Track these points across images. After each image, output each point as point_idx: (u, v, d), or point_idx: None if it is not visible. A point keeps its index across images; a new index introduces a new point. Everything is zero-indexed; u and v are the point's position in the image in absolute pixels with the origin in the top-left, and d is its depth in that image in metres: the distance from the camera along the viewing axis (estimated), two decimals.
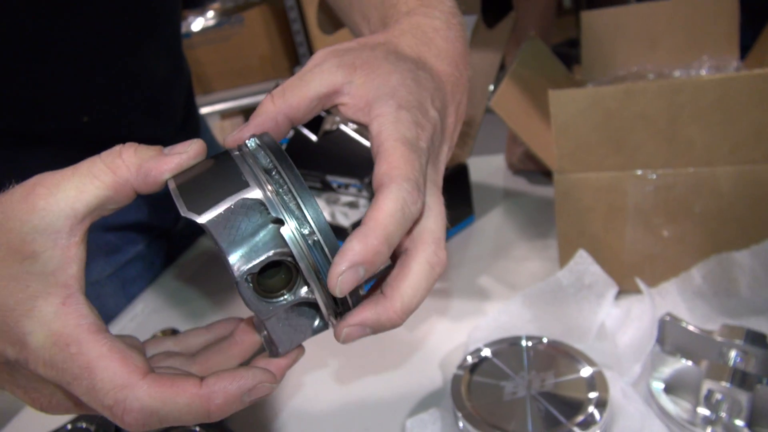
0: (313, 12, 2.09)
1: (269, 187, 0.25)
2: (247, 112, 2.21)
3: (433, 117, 0.30)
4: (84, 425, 0.47)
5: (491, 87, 0.65)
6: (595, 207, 0.48)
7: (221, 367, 0.31)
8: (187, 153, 0.27)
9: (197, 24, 2.26)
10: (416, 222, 0.28)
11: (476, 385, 0.40)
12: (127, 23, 0.60)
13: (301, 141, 0.68)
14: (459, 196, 0.68)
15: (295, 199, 0.25)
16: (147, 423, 0.25)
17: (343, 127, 0.70)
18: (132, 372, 0.25)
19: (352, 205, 0.64)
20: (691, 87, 0.40)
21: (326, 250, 0.25)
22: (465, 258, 0.63)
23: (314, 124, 0.68)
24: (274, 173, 0.26)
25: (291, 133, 0.69)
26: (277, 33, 2.24)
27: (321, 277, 0.25)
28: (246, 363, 0.31)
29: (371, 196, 0.72)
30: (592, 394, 0.36)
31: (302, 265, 0.25)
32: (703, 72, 0.61)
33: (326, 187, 0.65)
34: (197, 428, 0.44)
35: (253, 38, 2.19)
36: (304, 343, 0.29)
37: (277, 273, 0.26)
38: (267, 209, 0.25)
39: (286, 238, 0.25)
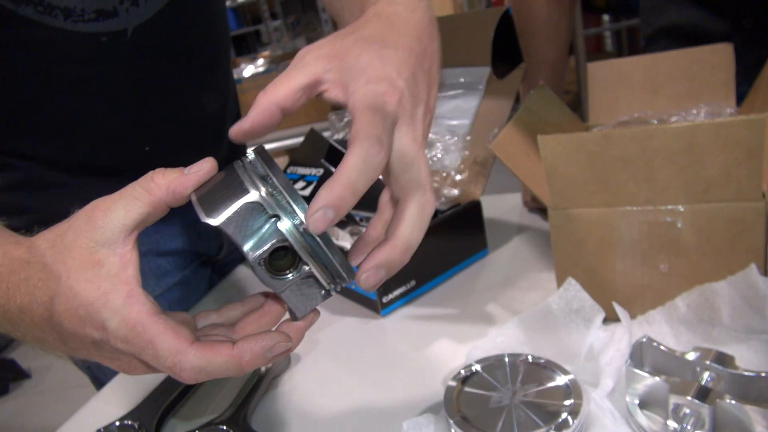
0: None
1: (264, 191, 0.33)
2: (290, 152, 2.33)
3: (400, 85, 0.36)
4: (129, 422, 0.54)
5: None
6: (586, 240, 0.53)
7: (255, 332, 0.38)
8: (202, 170, 0.35)
9: (248, 71, 2.43)
10: (403, 172, 0.34)
11: (467, 395, 0.44)
12: (185, 65, 0.69)
13: (328, 177, 0.75)
14: (472, 231, 0.73)
15: (285, 198, 0.33)
16: (198, 377, 0.34)
17: None
18: (182, 342, 0.33)
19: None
20: (662, 133, 0.45)
21: (315, 235, 0.33)
22: (475, 288, 0.68)
23: (336, 160, 0.75)
24: (268, 179, 0.33)
25: (320, 171, 0.77)
26: None
27: (314, 255, 0.33)
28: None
29: None
30: (568, 402, 0.41)
31: (297, 248, 0.33)
32: (701, 118, 0.65)
33: (350, 220, 0.72)
34: (224, 427, 0.51)
35: None
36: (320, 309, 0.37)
37: (284, 256, 0.34)
38: (265, 208, 0.33)
39: (283, 230, 0.32)
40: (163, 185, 0.35)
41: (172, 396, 0.56)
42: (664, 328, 0.51)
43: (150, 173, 0.35)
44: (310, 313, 0.36)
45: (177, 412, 0.57)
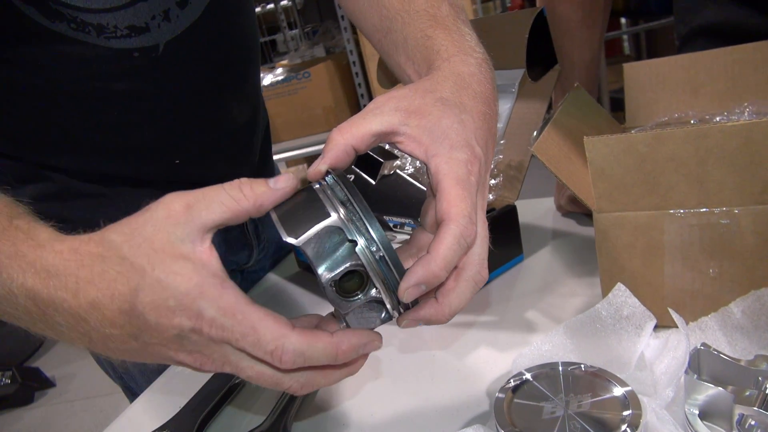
0: (373, 67, 2.22)
1: (344, 214, 0.34)
2: (310, 160, 2.34)
3: (479, 152, 0.38)
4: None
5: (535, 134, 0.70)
6: (633, 244, 0.52)
7: None
8: (288, 186, 0.36)
9: (267, 79, 2.44)
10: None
11: (517, 406, 0.43)
12: (216, 78, 0.69)
13: (361, 184, 0.74)
14: (508, 236, 0.72)
15: (364, 224, 0.34)
16: (296, 361, 0.34)
17: (399, 171, 0.76)
18: (284, 326, 0.34)
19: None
20: (717, 132, 0.44)
21: (389, 261, 0.34)
22: (513, 294, 0.66)
23: (373, 168, 0.74)
24: (348, 204, 0.34)
25: (351, 177, 0.76)
26: (341, 86, 2.38)
27: (386, 281, 0.34)
28: None
29: None
30: (626, 413, 0.39)
31: (371, 274, 0.34)
32: (745, 117, 0.63)
33: (384, 227, 0.71)
34: None
35: (319, 91, 2.34)
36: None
37: (352, 278, 0.35)
38: (344, 232, 0.34)
39: (359, 253, 0.34)
40: (251, 197, 0.35)
41: (209, 406, 0.55)
42: (718, 335, 0.49)
43: (237, 182, 0.36)
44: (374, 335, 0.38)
45: (214, 422, 0.56)
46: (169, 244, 0.33)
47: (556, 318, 0.59)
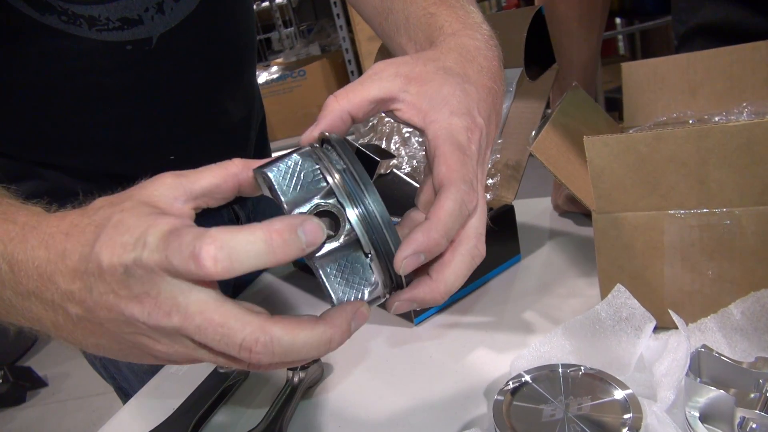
0: (369, 65, 2.21)
1: (338, 180, 0.31)
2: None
3: (480, 123, 0.36)
4: None
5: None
6: (633, 245, 0.51)
7: None
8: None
9: (262, 77, 2.43)
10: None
11: (516, 408, 0.42)
12: (211, 73, 0.68)
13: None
14: (505, 236, 0.71)
15: (361, 190, 0.31)
16: (276, 353, 0.28)
17: (396, 171, 0.75)
18: (260, 315, 0.29)
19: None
20: (718, 132, 0.43)
21: (383, 227, 0.31)
22: (511, 294, 0.66)
23: (369, 167, 0.74)
24: (345, 172, 0.32)
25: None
26: (336, 84, 2.37)
27: (378, 249, 0.31)
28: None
29: None
30: (626, 416, 0.39)
31: (362, 239, 0.31)
32: (743, 117, 0.63)
33: None
34: None
35: (314, 89, 2.33)
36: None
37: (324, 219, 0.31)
38: (322, 174, 0.31)
39: (352, 223, 0.31)
40: (240, 163, 0.34)
41: (203, 408, 0.55)
42: (718, 336, 0.49)
43: (228, 161, 0.35)
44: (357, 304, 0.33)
45: (209, 424, 0.55)
46: (147, 196, 0.32)
47: (554, 319, 0.59)
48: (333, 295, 0.32)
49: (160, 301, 0.29)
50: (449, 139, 0.34)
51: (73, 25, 0.55)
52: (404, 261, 0.31)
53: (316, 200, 0.31)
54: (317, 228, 0.29)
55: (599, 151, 0.48)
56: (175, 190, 0.32)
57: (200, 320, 0.28)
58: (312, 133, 0.35)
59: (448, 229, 0.32)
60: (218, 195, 0.34)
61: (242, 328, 0.28)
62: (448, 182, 0.32)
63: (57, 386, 2.44)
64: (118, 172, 0.67)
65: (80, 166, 0.66)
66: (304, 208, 0.31)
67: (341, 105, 0.35)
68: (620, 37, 4.05)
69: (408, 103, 0.35)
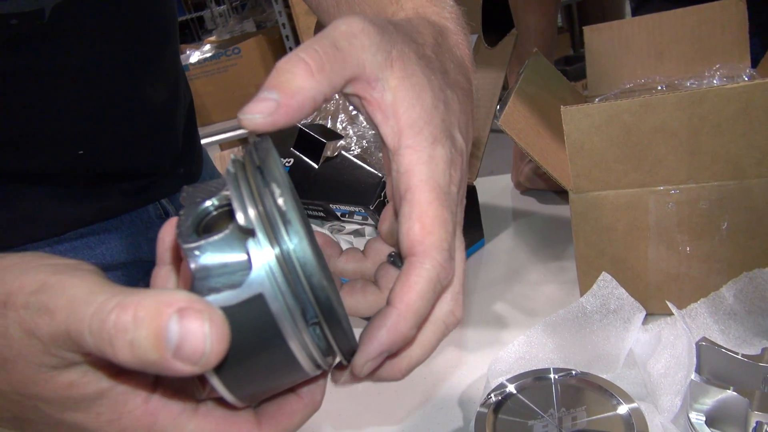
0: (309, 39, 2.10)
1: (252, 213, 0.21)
2: (245, 142, 2.21)
3: (461, 147, 0.27)
4: None
5: (497, 106, 0.63)
6: (614, 226, 0.46)
7: None
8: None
9: (194, 57, 2.27)
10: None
11: (502, 425, 0.37)
12: (124, 52, 0.58)
13: (302, 169, 0.66)
14: (468, 220, 0.65)
15: (280, 222, 0.21)
16: None
17: (344, 153, 0.68)
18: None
19: (357, 233, 0.62)
20: (714, 97, 0.38)
21: (319, 293, 0.21)
22: (477, 284, 0.60)
23: (314, 150, 0.66)
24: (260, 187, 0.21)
25: (290, 161, 0.68)
26: (274, 62, 2.24)
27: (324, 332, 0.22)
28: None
29: (377, 223, 0.70)
30: None
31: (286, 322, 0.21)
32: (715, 82, 0.59)
33: (330, 216, 0.63)
34: None
35: (250, 68, 2.20)
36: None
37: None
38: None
39: (263, 272, 0.20)
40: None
41: None
42: (709, 322, 0.44)
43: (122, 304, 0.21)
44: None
45: None
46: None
47: (528, 310, 0.53)
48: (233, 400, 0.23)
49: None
50: (429, 182, 0.25)
51: None
52: (366, 365, 0.24)
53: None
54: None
55: (579, 123, 0.42)
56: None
57: None
58: (265, 120, 0.23)
59: (420, 315, 0.24)
60: None
61: None
62: (421, 251, 0.24)
63: None
64: (13, 169, 0.57)
65: None
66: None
67: (316, 84, 0.24)
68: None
69: (383, 99, 0.26)
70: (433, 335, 0.27)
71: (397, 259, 0.27)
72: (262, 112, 0.23)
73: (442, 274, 0.24)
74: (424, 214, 0.24)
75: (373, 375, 0.26)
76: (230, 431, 0.24)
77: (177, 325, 0.18)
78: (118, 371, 0.23)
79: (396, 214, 0.27)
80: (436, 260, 0.24)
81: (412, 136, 0.25)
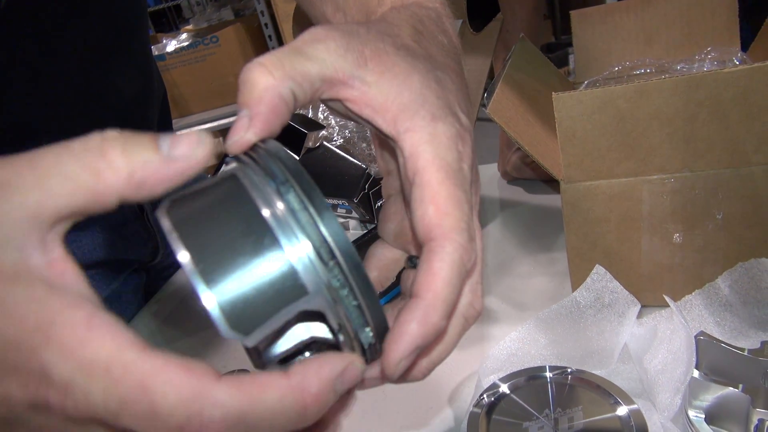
0: (288, 29, 2.05)
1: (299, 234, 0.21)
2: (225, 133, 2.17)
3: (467, 124, 0.26)
4: None
5: (484, 93, 0.61)
6: (607, 217, 0.45)
7: None
8: (194, 159, 0.21)
9: (170, 46, 2.22)
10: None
11: (496, 426, 0.35)
12: (90, 42, 0.55)
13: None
14: None
15: (329, 249, 0.21)
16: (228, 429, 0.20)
17: (326, 144, 0.65)
18: (202, 377, 0.20)
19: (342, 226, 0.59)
20: (711, 81, 0.37)
21: (364, 306, 0.22)
22: None
23: (295, 141, 0.63)
24: (298, 208, 0.21)
25: None
26: (253, 50, 2.20)
27: (357, 336, 0.22)
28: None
29: (362, 217, 0.68)
30: None
31: (339, 332, 0.22)
32: (706, 66, 0.57)
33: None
34: None
35: (229, 57, 2.15)
36: None
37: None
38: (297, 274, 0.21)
39: (316, 293, 0.21)
40: (123, 171, 0.21)
41: None
42: (704, 313, 0.43)
43: (97, 140, 0.21)
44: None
45: None
46: None
47: (519, 304, 0.52)
48: None
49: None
50: (436, 161, 0.24)
51: None
52: (400, 364, 0.22)
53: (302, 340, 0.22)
54: (357, 372, 0.22)
55: (570, 110, 0.40)
56: (20, 229, 0.20)
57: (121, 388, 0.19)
58: (245, 137, 0.23)
59: (449, 304, 0.22)
60: (90, 213, 0.21)
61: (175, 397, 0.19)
62: (440, 233, 0.23)
63: None
64: None
65: None
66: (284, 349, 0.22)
67: (279, 81, 0.23)
68: None
69: (366, 94, 0.25)
70: (454, 330, 0.25)
71: (418, 260, 0.25)
72: (240, 131, 0.23)
73: (465, 256, 0.23)
74: (437, 195, 0.23)
75: (406, 376, 0.24)
76: None
77: None
78: None
79: (407, 205, 0.25)
80: (456, 242, 0.23)
81: (408, 118, 0.24)
